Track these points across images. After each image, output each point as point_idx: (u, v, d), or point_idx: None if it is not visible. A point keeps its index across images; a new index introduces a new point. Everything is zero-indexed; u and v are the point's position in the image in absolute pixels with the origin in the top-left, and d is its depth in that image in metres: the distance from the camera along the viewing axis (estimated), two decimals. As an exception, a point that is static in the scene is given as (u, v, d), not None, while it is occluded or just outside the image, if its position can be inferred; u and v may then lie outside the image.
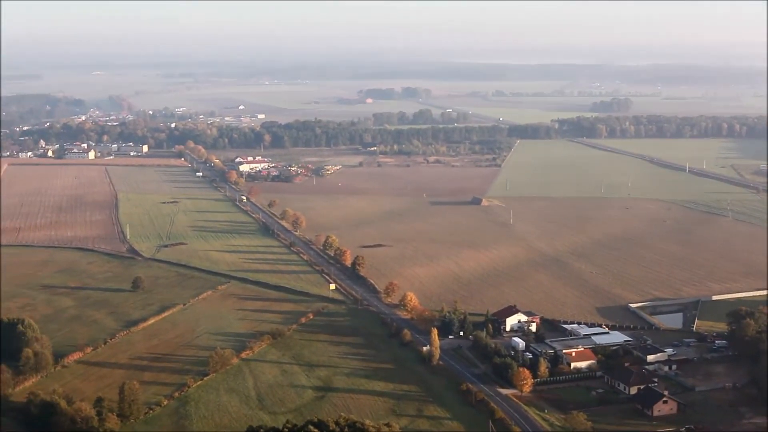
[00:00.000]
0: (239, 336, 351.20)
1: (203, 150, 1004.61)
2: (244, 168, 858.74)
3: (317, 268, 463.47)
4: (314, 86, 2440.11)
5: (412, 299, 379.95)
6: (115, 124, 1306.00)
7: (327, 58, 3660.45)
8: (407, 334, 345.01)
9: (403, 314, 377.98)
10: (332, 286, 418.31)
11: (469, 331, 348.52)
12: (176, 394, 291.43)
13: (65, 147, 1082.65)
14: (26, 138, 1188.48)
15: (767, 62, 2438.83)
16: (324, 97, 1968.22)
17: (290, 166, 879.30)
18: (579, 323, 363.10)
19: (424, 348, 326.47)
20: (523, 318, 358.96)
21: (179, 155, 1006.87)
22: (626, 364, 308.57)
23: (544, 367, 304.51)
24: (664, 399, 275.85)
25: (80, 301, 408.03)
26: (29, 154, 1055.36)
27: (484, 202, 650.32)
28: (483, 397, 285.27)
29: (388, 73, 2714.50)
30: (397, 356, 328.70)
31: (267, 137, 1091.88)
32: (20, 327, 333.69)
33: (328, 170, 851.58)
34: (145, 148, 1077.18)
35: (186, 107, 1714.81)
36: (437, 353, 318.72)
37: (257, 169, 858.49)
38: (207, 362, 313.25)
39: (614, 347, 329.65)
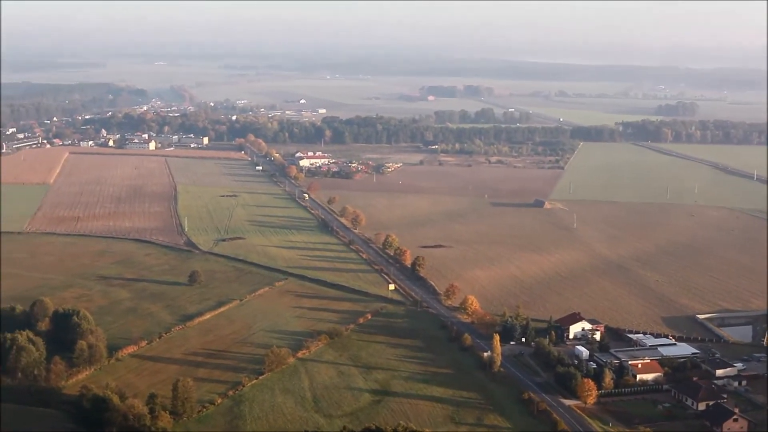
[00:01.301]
0: (296, 334, 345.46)
1: (263, 144, 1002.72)
2: (304, 163, 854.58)
3: (376, 267, 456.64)
4: (375, 82, 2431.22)
5: (473, 303, 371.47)
6: (176, 115, 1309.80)
7: (387, 54, 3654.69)
8: (467, 338, 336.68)
9: (464, 318, 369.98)
10: (391, 287, 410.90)
11: (531, 338, 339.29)
12: (230, 393, 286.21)
13: (126, 137, 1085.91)
14: (88, 127, 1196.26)
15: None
16: (385, 93, 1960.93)
17: (350, 162, 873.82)
18: (644, 333, 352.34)
19: (485, 354, 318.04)
20: (587, 326, 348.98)
21: (239, 148, 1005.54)
22: (694, 378, 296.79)
23: (609, 378, 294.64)
24: (735, 417, 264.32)
25: (136, 294, 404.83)
26: (90, 143, 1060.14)
27: (547, 205, 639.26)
28: (545, 407, 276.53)
29: (449, 70, 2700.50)
30: (456, 361, 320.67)
31: (328, 132, 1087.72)
32: (75, 318, 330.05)
33: (388, 168, 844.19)
34: (205, 140, 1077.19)
35: (247, 100, 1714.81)
36: (499, 360, 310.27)
37: (317, 165, 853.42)
38: (262, 361, 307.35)
39: (681, 360, 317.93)
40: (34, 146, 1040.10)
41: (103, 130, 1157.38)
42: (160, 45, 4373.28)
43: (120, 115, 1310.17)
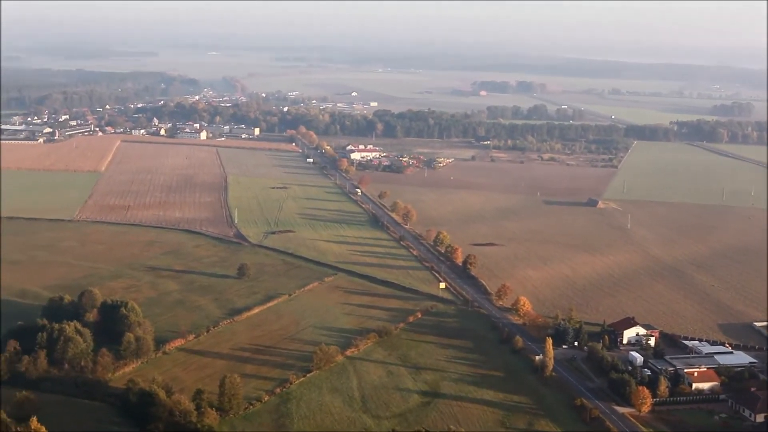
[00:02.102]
0: (344, 332, 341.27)
1: (315, 136, 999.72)
2: (355, 156, 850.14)
3: (427, 264, 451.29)
4: (427, 76, 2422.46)
5: (525, 304, 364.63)
6: (228, 105, 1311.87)
7: (438, 48, 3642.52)
8: (519, 340, 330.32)
9: (515, 319, 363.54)
10: (442, 285, 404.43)
11: (584, 342, 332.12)
12: (278, 390, 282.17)
13: (178, 126, 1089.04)
14: (140, 115, 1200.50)
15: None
16: (437, 88, 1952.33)
17: (402, 156, 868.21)
18: (700, 340, 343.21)
19: (537, 357, 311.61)
20: (642, 331, 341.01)
21: (290, 140, 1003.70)
22: (752, 389, 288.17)
23: (664, 386, 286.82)
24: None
25: (185, 285, 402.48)
26: (142, 131, 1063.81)
27: (600, 205, 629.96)
28: (598, 414, 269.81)
29: (501, 66, 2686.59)
30: (507, 364, 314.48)
31: (379, 126, 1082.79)
32: (123, 310, 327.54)
33: (440, 163, 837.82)
34: (256, 131, 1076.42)
35: (299, 91, 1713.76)
36: (551, 364, 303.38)
37: (368, 158, 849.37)
38: (310, 358, 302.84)
39: (738, 369, 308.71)
40: (86, 134, 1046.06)
41: (154, 118, 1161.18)
42: (214, 36, 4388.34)
43: (172, 104, 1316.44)
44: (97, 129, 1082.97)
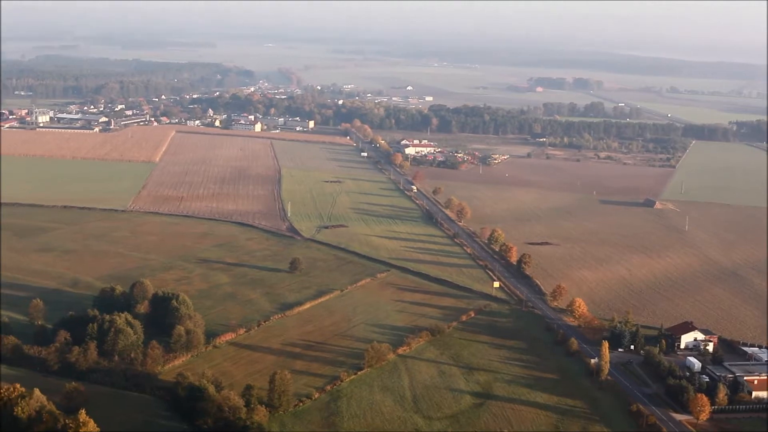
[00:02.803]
0: (396, 329, 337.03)
1: (369, 130, 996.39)
2: (410, 151, 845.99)
3: (481, 262, 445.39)
4: (483, 71, 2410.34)
5: (581, 305, 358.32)
6: (283, 97, 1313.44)
7: (495, 43, 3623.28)
8: (574, 343, 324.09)
9: (570, 321, 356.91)
10: (496, 284, 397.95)
11: (641, 346, 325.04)
12: (328, 388, 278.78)
13: (232, 117, 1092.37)
14: (195, 106, 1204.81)
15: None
16: (492, 83, 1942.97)
17: (456, 152, 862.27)
18: (760, 347, 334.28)
19: (592, 360, 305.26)
20: (700, 336, 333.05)
21: (345, 133, 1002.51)
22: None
23: (722, 393, 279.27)
24: None
25: (236, 279, 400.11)
26: (197, 122, 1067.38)
27: (658, 205, 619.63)
28: (654, 421, 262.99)
29: (558, 62, 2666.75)
30: (561, 366, 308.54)
31: (434, 121, 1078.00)
32: (174, 302, 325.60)
33: (495, 159, 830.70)
34: (311, 123, 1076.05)
35: (354, 84, 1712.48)
36: (606, 368, 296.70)
37: (423, 153, 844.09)
38: (362, 355, 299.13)
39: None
40: (141, 123, 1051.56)
41: (210, 109, 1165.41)
42: (270, 27, 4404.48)
43: (227, 95, 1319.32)
44: (153, 119, 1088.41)
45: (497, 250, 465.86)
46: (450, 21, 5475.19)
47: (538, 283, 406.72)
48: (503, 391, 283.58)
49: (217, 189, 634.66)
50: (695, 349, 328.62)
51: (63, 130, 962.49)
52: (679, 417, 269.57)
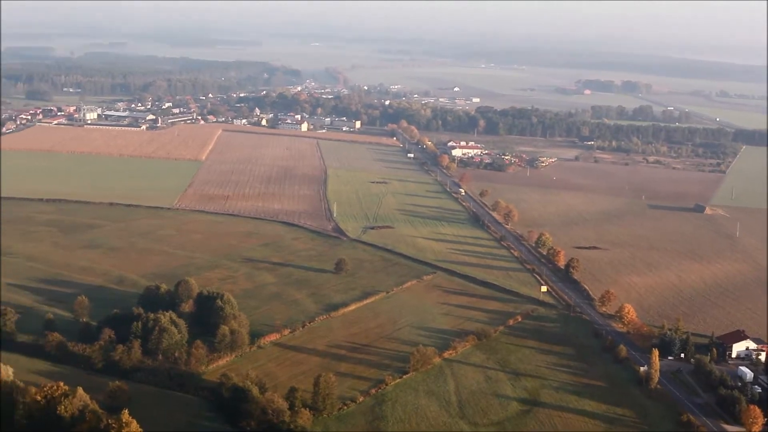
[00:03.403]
0: (442, 333, 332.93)
1: (416, 130, 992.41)
2: (457, 153, 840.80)
3: (528, 266, 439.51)
4: (530, 72, 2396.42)
5: (630, 312, 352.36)
6: (329, 97, 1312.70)
7: (542, 44, 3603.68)
8: (623, 350, 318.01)
9: (619, 327, 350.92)
10: (543, 288, 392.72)
11: (691, 354, 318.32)
12: (373, 391, 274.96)
13: (279, 117, 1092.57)
14: (242, 105, 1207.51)
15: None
16: (540, 85, 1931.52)
17: (504, 154, 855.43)
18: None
19: (641, 368, 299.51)
20: (752, 345, 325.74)
21: (391, 134, 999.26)
22: None
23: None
24: None
25: (281, 279, 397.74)
26: (243, 121, 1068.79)
27: (708, 211, 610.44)
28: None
29: (606, 64, 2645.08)
30: (610, 374, 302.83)
31: (481, 122, 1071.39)
32: (219, 302, 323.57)
33: (542, 162, 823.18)
34: (357, 123, 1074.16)
35: (401, 85, 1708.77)
36: (656, 376, 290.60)
37: (469, 155, 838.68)
38: (407, 359, 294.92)
39: None
40: (188, 122, 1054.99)
41: (256, 108, 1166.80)
42: (317, 26, 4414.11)
43: (274, 94, 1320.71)
44: (199, 117, 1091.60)
45: (545, 253, 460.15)
46: (497, 22, 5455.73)
47: (586, 287, 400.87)
48: (550, 398, 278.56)
49: (263, 188, 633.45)
50: (747, 358, 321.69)
51: (110, 128, 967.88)
52: (730, 429, 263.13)
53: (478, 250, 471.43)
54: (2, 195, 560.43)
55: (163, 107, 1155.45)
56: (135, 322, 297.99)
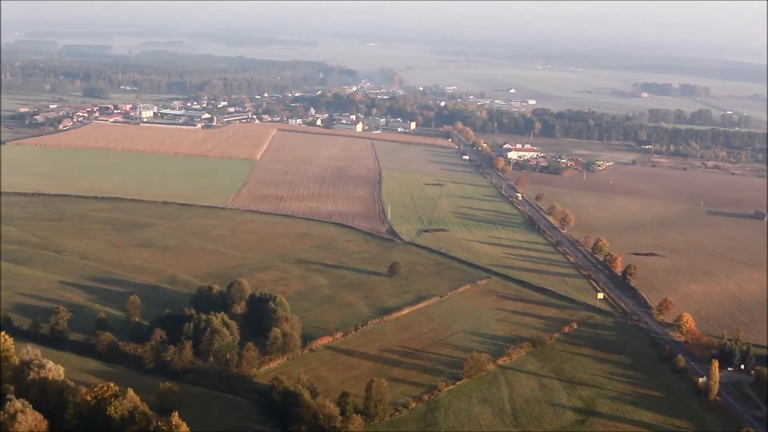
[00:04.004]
0: (496, 339, 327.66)
1: (471, 132, 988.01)
2: (512, 155, 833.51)
3: (584, 272, 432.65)
4: (587, 75, 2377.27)
5: (688, 321, 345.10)
6: (384, 97, 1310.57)
7: (599, 46, 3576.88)
8: (681, 360, 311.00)
9: (677, 336, 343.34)
10: (600, 295, 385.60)
11: (751, 366, 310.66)
12: (425, 397, 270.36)
13: (334, 117, 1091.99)
14: (297, 104, 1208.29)
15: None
16: (597, 87, 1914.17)
17: (560, 157, 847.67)
18: None
19: (700, 379, 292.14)
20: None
21: (447, 135, 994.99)
22: None
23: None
24: None
25: (334, 281, 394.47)
26: (298, 120, 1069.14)
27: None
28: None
29: (663, 67, 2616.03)
30: (667, 384, 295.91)
31: (537, 125, 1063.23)
32: (271, 304, 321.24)
33: (599, 166, 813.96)
34: (413, 125, 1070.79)
35: (456, 86, 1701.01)
36: (716, 388, 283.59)
37: (525, 158, 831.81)
38: (460, 365, 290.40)
39: None
40: (243, 121, 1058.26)
41: (311, 108, 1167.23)
42: (373, 26, 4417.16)
43: (329, 94, 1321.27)
44: (255, 117, 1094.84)
45: (601, 259, 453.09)
46: (553, 22, 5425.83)
47: (644, 295, 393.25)
48: (607, 408, 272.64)
49: (317, 189, 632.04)
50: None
51: (166, 126, 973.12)
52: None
53: (534, 255, 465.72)
54: (59, 193, 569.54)
55: (219, 106, 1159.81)
56: (187, 323, 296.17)
